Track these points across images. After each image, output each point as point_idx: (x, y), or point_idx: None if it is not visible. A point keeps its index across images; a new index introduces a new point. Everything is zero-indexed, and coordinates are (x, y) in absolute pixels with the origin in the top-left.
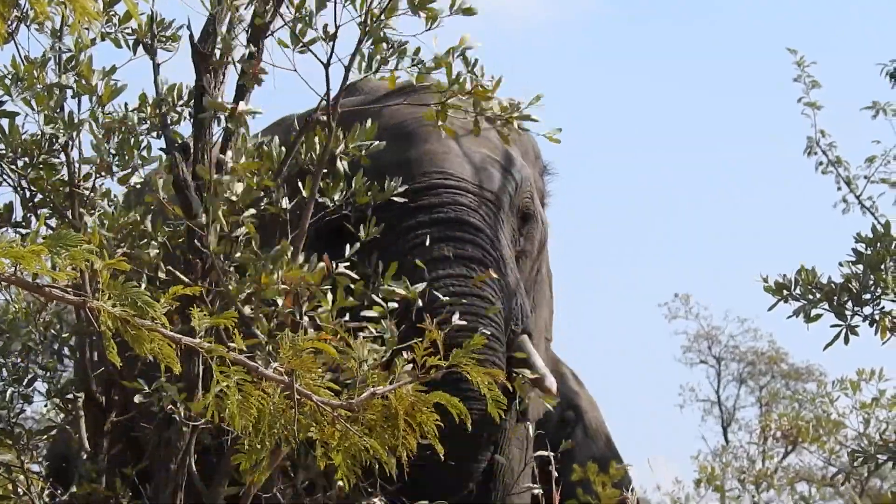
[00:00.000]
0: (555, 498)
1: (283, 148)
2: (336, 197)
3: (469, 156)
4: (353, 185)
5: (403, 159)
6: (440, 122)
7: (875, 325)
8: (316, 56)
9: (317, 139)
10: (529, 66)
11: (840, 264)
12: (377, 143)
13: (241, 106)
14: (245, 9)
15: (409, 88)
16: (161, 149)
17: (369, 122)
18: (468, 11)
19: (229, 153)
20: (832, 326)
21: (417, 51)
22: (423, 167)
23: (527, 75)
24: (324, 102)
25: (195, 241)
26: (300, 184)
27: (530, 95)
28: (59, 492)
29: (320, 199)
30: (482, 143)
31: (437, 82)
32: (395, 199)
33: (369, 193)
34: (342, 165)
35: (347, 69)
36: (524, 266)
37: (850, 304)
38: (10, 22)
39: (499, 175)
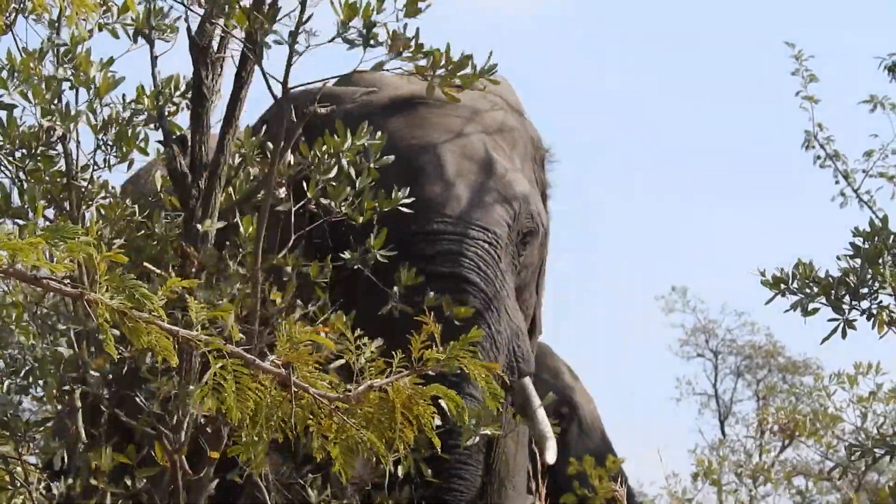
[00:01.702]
0: (541, 490)
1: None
2: (342, 201)
3: (470, 192)
4: (358, 185)
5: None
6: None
7: (872, 319)
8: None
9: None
10: (524, 57)
11: (838, 258)
12: (385, 157)
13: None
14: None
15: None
16: (159, 141)
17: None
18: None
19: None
20: (829, 320)
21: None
22: (426, 212)
23: (522, 66)
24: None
25: (191, 231)
26: (304, 185)
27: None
28: (55, 484)
29: (325, 202)
30: (483, 171)
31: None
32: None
33: (375, 200)
34: (344, 163)
35: (292, 46)
36: (527, 273)
37: (847, 297)
38: (7, 14)
39: (499, 207)
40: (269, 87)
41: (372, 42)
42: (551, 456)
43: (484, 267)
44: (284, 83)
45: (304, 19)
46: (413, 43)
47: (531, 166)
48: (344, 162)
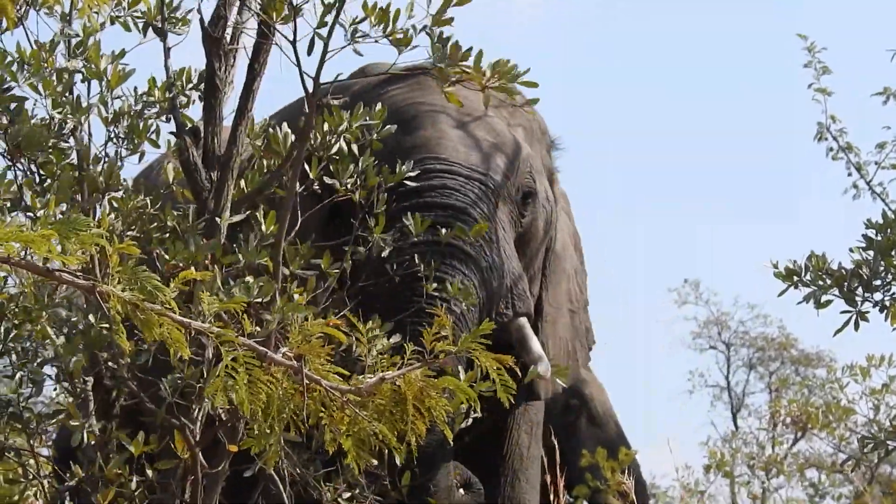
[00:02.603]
0: (558, 483)
1: (288, 132)
2: (346, 179)
3: (465, 139)
4: (361, 164)
5: (399, 146)
6: (447, 89)
7: (885, 311)
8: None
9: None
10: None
11: (850, 250)
12: (388, 126)
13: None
14: None
15: (411, 70)
16: (171, 132)
17: (378, 105)
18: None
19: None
20: (842, 312)
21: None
22: (418, 153)
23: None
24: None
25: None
26: (307, 167)
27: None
28: (66, 475)
29: (329, 181)
30: (481, 127)
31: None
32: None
33: (380, 175)
34: (343, 145)
35: (326, 41)
36: (530, 247)
37: (860, 290)
38: (19, 6)
39: (495, 156)
40: (304, 83)
41: (414, 45)
42: (543, 368)
43: (479, 203)
44: (316, 79)
45: (336, 14)
46: (472, 56)
47: (538, 148)
48: (344, 143)
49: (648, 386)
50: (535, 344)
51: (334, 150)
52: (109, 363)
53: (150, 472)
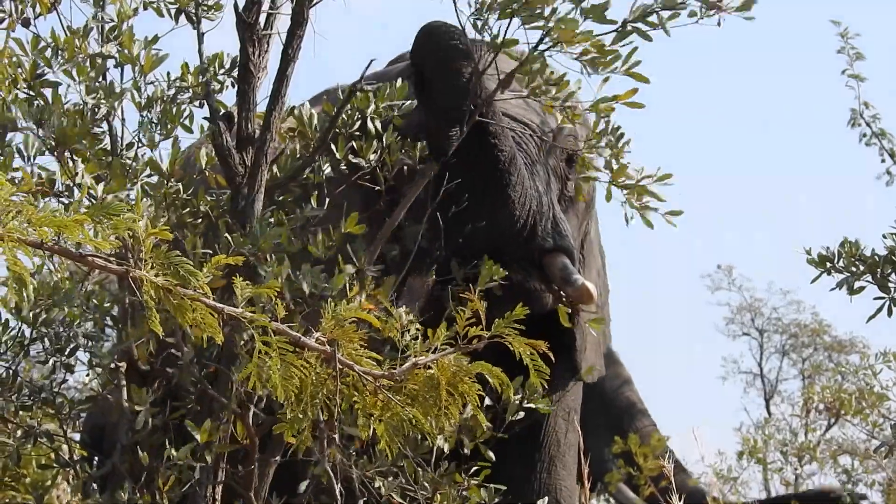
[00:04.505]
0: (584, 470)
1: (316, 116)
2: (371, 157)
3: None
4: (385, 141)
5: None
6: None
7: None
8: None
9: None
10: None
11: (884, 236)
12: (408, 102)
13: None
14: None
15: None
16: (205, 118)
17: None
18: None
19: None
20: (875, 299)
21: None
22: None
23: None
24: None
25: (237, 208)
26: (333, 146)
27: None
28: (95, 460)
29: (354, 160)
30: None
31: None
32: None
33: (404, 151)
34: (371, 126)
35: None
36: (570, 219)
37: (893, 276)
38: None
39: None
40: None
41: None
42: (591, 288)
43: (517, 139)
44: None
45: None
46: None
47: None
48: (370, 123)
49: (681, 372)
50: (574, 273)
51: (356, 125)
52: (172, 350)
53: (208, 458)
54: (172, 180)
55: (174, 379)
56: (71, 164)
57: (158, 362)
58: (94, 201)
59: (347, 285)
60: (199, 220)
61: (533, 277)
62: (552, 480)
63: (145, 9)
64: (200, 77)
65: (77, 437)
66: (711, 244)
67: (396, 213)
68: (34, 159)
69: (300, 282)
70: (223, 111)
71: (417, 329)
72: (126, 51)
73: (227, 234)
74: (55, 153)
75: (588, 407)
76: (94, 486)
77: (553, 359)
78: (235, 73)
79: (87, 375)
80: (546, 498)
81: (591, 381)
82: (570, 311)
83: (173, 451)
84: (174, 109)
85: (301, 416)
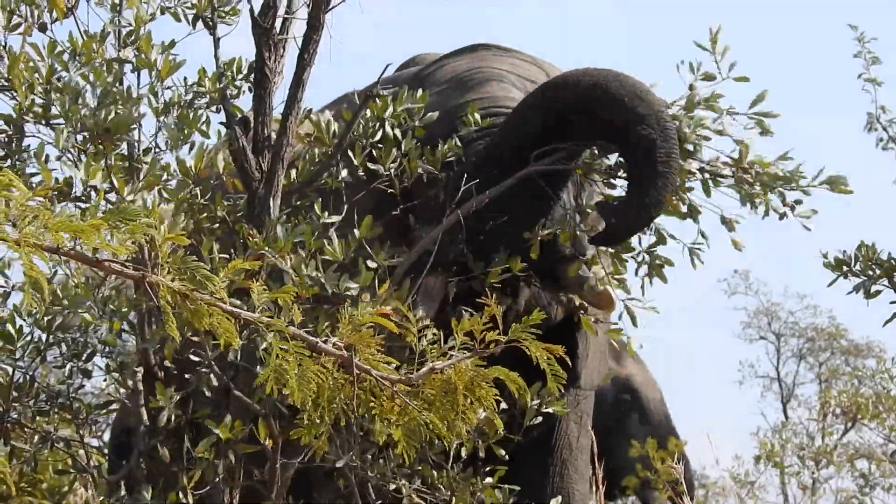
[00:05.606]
0: (598, 474)
1: (335, 123)
2: (391, 166)
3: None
4: (404, 147)
5: (466, 102)
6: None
7: None
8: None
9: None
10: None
11: None
12: (430, 114)
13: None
14: None
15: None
16: (221, 122)
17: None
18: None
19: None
20: (892, 303)
21: None
22: (483, 104)
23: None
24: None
25: (254, 212)
26: (350, 153)
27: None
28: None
29: (373, 167)
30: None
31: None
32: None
33: (423, 158)
34: (389, 131)
35: None
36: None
37: None
38: None
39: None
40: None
41: None
42: (609, 293)
43: None
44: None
45: None
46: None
47: None
48: (388, 128)
49: (698, 377)
50: (591, 277)
51: (378, 136)
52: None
53: (231, 457)
54: (194, 183)
55: (193, 385)
56: (93, 165)
57: (176, 367)
58: (111, 205)
59: (376, 284)
60: (217, 226)
61: (545, 288)
62: (564, 484)
63: (162, 14)
64: (218, 82)
65: (94, 442)
66: (728, 249)
67: (420, 245)
68: (63, 155)
69: (324, 281)
70: (240, 116)
71: (434, 334)
72: (143, 55)
73: (245, 238)
74: (84, 149)
75: (628, 420)
76: (122, 487)
77: (570, 363)
78: (252, 77)
79: (105, 381)
80: (559, 498)
81: (590, 390)
82: (578, 317)
83: (189, 446)
84: (191, 114)
85: (318, 420)
